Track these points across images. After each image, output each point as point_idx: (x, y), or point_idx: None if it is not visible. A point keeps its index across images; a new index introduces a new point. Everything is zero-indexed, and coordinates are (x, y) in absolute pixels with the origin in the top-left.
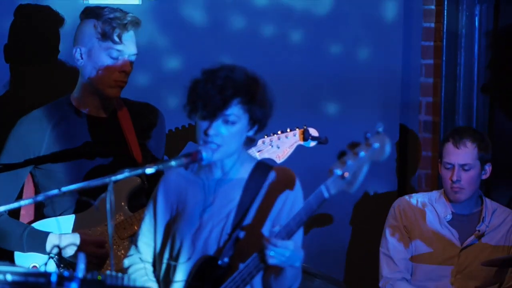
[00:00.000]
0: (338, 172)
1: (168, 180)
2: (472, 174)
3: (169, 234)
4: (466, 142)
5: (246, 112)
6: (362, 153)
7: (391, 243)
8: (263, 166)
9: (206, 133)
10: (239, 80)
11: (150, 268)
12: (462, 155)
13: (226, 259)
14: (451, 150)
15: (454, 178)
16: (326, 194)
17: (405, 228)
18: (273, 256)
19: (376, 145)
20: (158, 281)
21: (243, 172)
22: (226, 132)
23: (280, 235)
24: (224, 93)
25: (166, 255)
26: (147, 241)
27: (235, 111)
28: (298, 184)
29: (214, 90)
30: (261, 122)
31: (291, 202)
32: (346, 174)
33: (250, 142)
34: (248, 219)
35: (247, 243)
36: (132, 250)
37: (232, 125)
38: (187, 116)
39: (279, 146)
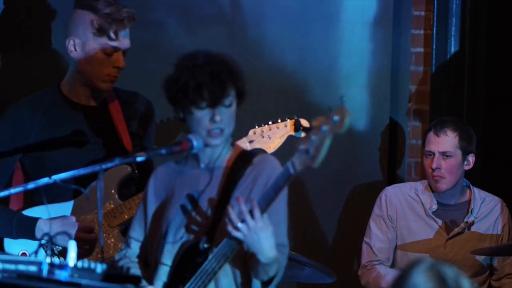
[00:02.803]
0: (302, 147)
1: (158, 176)
2: (452, 162)
3: (158, 221)
4: (447, 131)
5: (234, 90)
6: (323, 128)
7: (373, 232)
8: (247, 154)
9: (214, 121)
10: (221, 61)
11: (135, 260)
12: (442, 143)
13: (206, 244)
14: (431, 138)
15: (434, 166)
16: (291, 170)
17: (390, 218)
18: (240, 227)
19: (336, 118)
20: (146, 272)
21: (230, 159)
22: (227, 115)
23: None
24: (219, 78)
25: (156, 241)
26: (137, 236)
27: (231, 92)
28: (277, 167)
29: (207, 78)
30: (244, 96)
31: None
32: (309, 149)
33: None
34: (229, 204)
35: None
36: (123, 246)
37: (229, 106)
38: (179, 113)
39: (270, 137)
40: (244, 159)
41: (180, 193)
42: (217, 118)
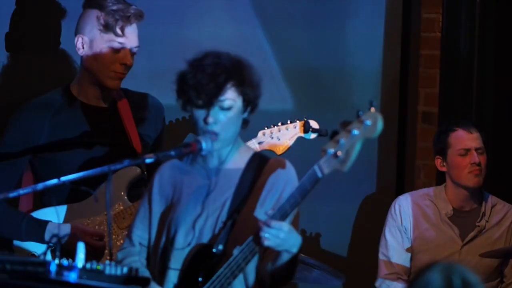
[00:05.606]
0: (331, 151)
1: (163, 173)
2: (485, 157)
3: (165, 223)
4: (475, 128)
5: (240, 95)
6: (354, 131)
7: (390, 244)
8: (260, 157)
9: (206, 122)
10: (228, 64)
11: (144, 261)
12: (476, 139)
13: (220, 247)
14: (464, 136)
15: (477, 160)
16: (319, 174)
17: (405, 228)
18: (268, 237)
19: (368, 122)
20: (151, 272)
21: (240, 162)
22: (224, 118)
23: (274, 217)
24: (216, 79)
25: (161, 244)
26: (141, 234)
27: (230, 95)
28: (293, 172)
29: (206, 78)
30: (254, 103)
31: (287, 188)
32: (339, 153)
33: (245, 124)
34: (244, 208)
35: (243, 230)
36: (126, 243)
37: (228, 110)
38: (181, 108)
39: (280, 138)
40: (258, 162)
41: (187, 193)
42: (210, 119)
